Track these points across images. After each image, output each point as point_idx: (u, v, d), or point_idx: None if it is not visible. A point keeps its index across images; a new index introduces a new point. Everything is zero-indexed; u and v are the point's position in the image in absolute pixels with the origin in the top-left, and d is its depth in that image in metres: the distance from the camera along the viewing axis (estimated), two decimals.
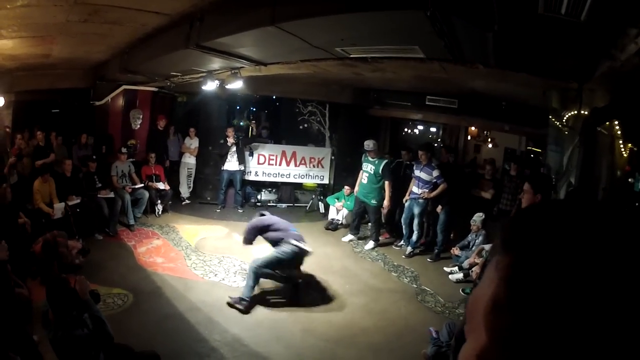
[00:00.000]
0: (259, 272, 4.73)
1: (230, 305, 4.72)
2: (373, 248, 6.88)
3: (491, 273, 0.46)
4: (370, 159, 6.92)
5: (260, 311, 4.72)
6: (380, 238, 7.27)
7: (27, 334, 3.00)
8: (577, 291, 0.39)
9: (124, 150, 7.56)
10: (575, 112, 4.18)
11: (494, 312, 0.44)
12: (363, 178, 7.01)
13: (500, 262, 0.45)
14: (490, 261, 0.48)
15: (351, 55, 3.59)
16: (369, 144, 6.85)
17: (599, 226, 0.44)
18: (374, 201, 6.87)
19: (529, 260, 0.42)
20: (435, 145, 10.17)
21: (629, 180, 8.18)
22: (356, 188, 7.24)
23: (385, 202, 6.82)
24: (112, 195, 6.85)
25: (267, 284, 5.41)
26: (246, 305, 4.68)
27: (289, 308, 4.85)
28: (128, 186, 7.17)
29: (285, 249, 4.73)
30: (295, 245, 4.73)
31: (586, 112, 4.14)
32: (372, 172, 6.86)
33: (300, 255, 4.84)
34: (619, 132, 5.29)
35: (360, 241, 7.20)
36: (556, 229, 0.43)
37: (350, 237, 7.28)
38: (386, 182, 6.79)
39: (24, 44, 4.86)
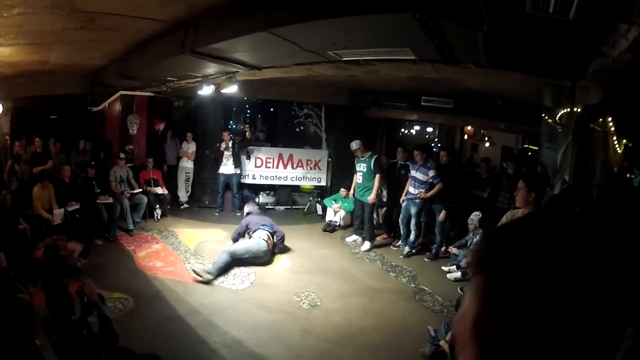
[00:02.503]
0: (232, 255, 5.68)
1: (195, 272, 5.30)
2: (369, 249, 6.89)
3: (471, 293, 0.51)
4: (360, 158, 7.02)
5: (259, 313, 4.75)
6: (377, 238, 7.31)
7: (30, 339, 3.02)
8: (547, 303, 0.45)
9: (122, 155, 7.58)
10: (569, 109, 4.20)
11: (478, 326, 0.49)
12: (358, 178, 7.09)
13: (477, 282, 0.51)
14: (469, 283, 0.53)
15: (343, 58, 3.63)
16: (352, 145, 6.98)
17: (558, 247, 0.47)
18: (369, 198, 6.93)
19: (503, 278, 0.48)
20: (433, 145, 10.22)
21: (628, 175, 8.20)
22: (351, 191, 7.30)
23: (372, 196, 6.82)
24: (111, 200, 6.88)
25: (266, 284, 5.46)
26: (209, 278, 5.30)
27: (288, 309, 4.88)
28: (127, 191, 7.19)
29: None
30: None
31: (579, 110, 4.16)
32: (365, 170, 6.94)
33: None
34: (612, 129, 5.31)
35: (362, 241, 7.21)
36: (522, 249, 0.48)
37: (354, 237, 7.31)
38: (377, 176, 6.85)
39: (21, 52, 4.91)
